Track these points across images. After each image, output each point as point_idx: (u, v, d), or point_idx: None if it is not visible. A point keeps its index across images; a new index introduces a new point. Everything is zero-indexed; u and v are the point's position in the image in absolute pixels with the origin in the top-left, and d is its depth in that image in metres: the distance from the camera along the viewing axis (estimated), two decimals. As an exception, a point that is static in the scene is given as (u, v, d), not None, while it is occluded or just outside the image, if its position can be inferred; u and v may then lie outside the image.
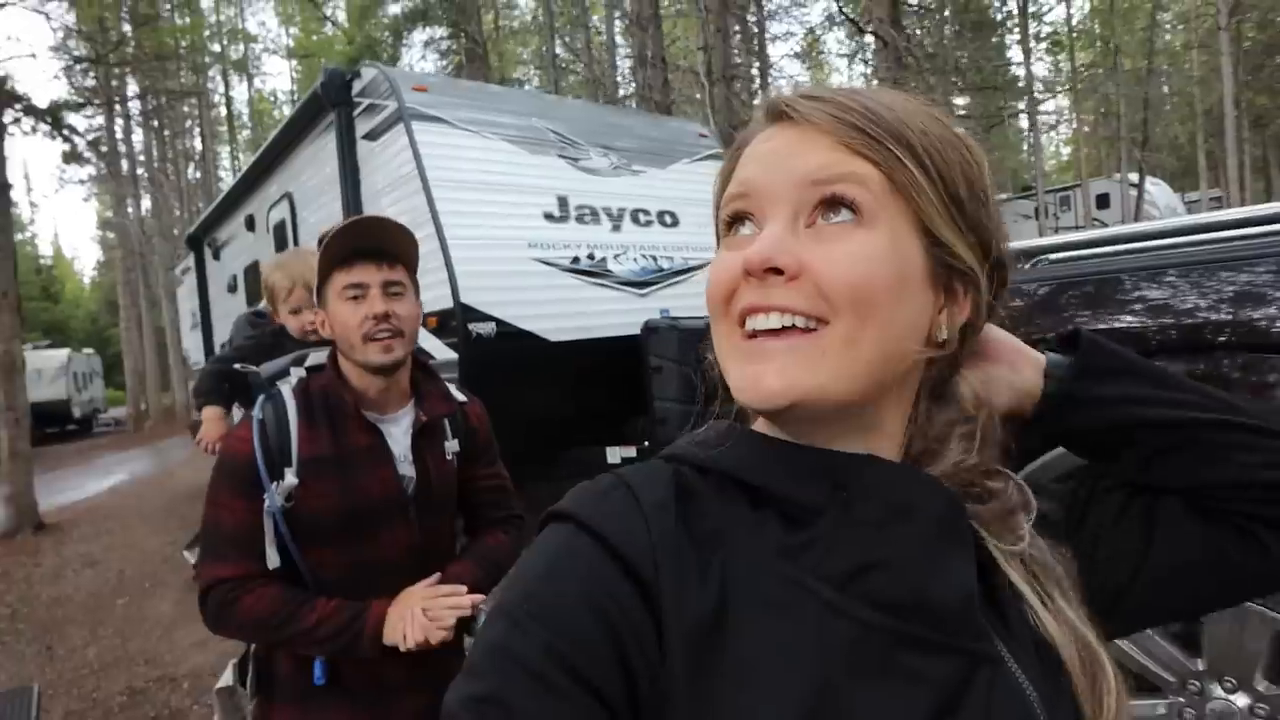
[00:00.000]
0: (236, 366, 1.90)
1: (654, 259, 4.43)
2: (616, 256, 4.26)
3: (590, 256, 4.15)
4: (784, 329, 0.47)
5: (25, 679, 3.95)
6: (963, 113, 18.14)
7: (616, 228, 4.36)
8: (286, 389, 1.39)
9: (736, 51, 16.80)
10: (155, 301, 22.80)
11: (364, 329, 1.34)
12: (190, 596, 5.19)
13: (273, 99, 30.10)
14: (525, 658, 0.42)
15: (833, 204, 0.48)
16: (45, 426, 20.26)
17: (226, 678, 1.48)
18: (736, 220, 0.52)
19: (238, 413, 2.69)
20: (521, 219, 3.95)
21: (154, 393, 23.18)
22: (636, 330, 3.74)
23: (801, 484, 0.49)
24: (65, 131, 7.72)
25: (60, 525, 8.14)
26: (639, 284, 4.30)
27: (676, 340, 3.75)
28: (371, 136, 4.18)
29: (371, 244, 1.37)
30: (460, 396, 1.58)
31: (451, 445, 1.50)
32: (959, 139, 0.52)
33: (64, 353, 22.80)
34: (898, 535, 0.48)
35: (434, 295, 3.55)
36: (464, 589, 1.35)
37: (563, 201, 4.16)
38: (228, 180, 26.16)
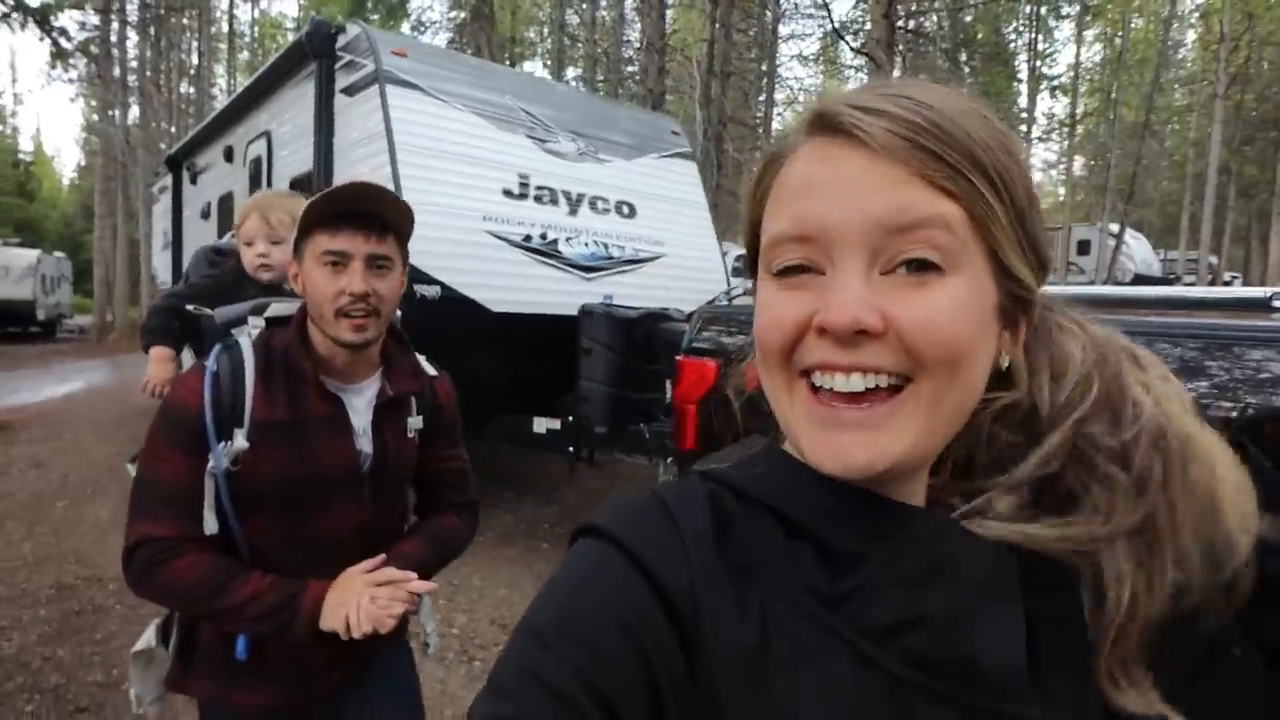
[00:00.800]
0: (190, 307, 1.76)
1: (605, 246, 4.68)
2: (569, 239, 4.51)
3: (543, 236, 4.39)
4: (866, 391, 0.44)
5: (-42, 564, 4.15)
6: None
7: (573, 212, 4.60)
8: (246, 342, 1.29)
9: (749, 48, 16.91)
10: (133, 214, 22.50)
11: (338, 303, 1.23)
12: (126, 505, 5.38)
13: (278, 24, 29.59)
14: (551, 679, 0.40)
15: (917, 256, 0.43)
16: (7, 325, 20.09)
17: (147, 638, 1.36)
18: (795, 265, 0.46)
19: (187, 356, 2.53)
20: (480, 191, 4.18)
21: (121, 305, 22.98)
22: (574, 312, 4.01)
23: (843, 528, 0.47)
24: (54, 34, 7.67)
25: (11, 425, 8.24)
26: (587, 268, 4.56)
27: (608, 326, 4.04)
28: (349, 92, 4.36)
29: (363, 209, 1.25)
30: (430, 371, 1.49)
31: (415, 422, 1.41)
32: (1008, 139, 0.46)
33: (34, 253, 22.47)
34: (939, 594, 0.45)
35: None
36: (412, 575, 1.28)
37: (524, 180, 4.40)
38: (220, 100, 25.78)
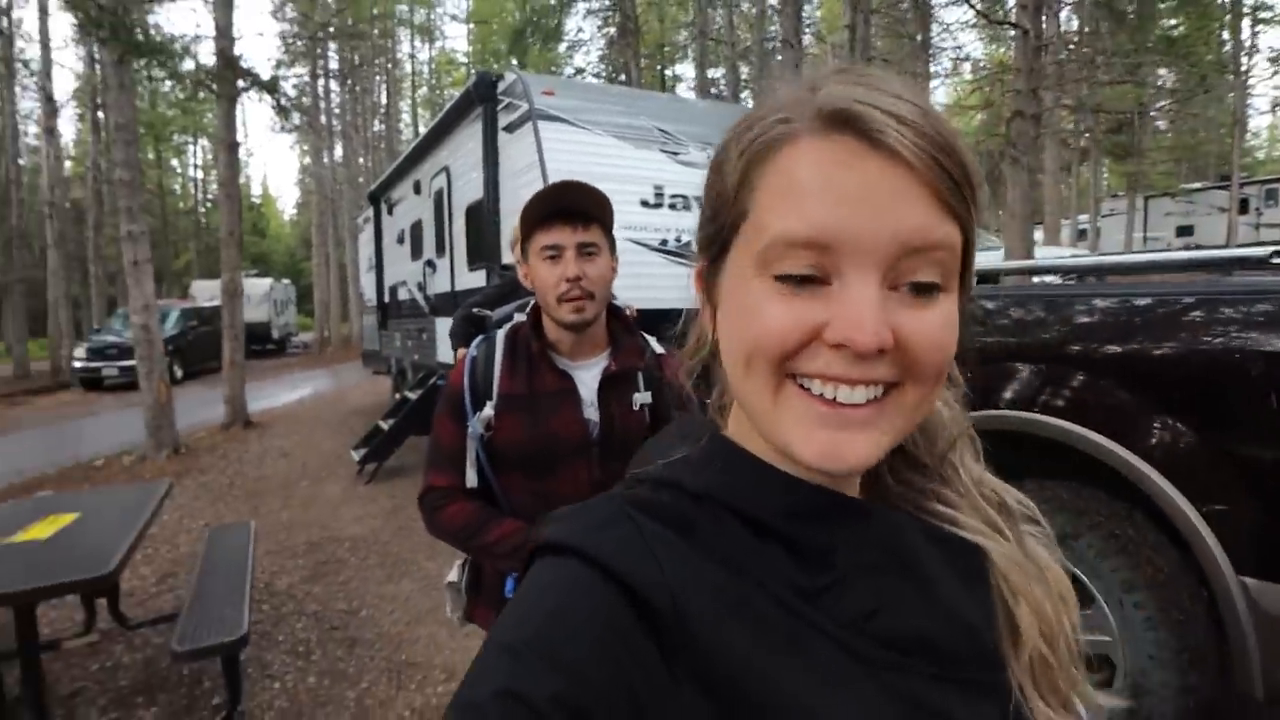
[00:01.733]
0: (474, 310, 2.53)
1: (734, 243, 5.12)
2: (700, 239, 4.99)
3: (678, 239, 4.92)
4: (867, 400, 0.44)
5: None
6: (1159, 84, 16.65)
7: (704, 214, 5.07)
8: (501, 332, 1.54)
9: (899, 24, 16.49)
10: (341, 241, 25.75)
11: (559, 290, 1.40)
12: (352, 484, 6.61)
13: (451, 60, 32.44)
14: (532, 701, 0.39)
15: (925, 280, 0.43)
16: (250, 344, 23.71)
17: (454, 574, 1.63)
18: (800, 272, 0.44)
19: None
20: (620, 203, 4.71)
21: (335, 322, 26.37)
22: (705, 304, 4.49)
23: (812, 526, 0.48)
24: (280, 99, 9.25)
25: (262, 423, 10.05)
26: (717, 264, 5.02)
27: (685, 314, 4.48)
28: (509, 129, 5.12)
29: (567, 205, 1.42)
30: (658, 349, 1.60)
31: (642, 396, 1.52)
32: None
33: (267, 281, 26.30)
34: (899, 580, 0.49)
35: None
36: None
37: (659, 191, 4.95)
38: (406, 134, 28.71)
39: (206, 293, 22.11)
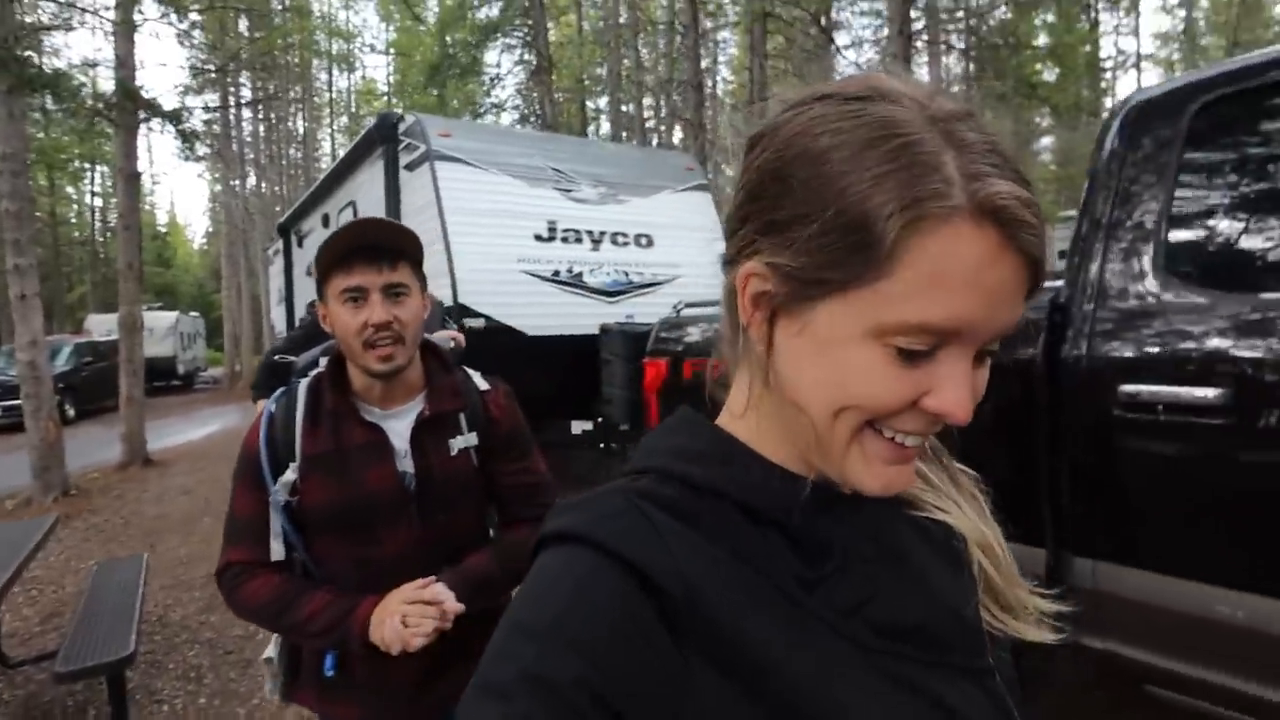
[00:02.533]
0: (275, 358, 2.22)
1: (625, 273, 5.47)
2: (592, 270, 5.32)
3: (570, 270, 5.22)
4: None
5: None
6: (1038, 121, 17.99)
7: (596, 247, 5.42)
8: (303, 384, 1.39)
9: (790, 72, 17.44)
10: (253, 272, 25.03)
11: (363, 335, 1.29)
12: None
13: (371, 89, 32.27)
14: (556, 684, 0.40)
15: (993, 345, 0.46)
16: (153, 380, 22.70)
17: (271, 649, 1.47)
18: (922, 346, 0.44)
19: None
20: (514, 238, 5.05)
21: (248, 355, 25.50)
22: (597, 331, 4.80)
23: (812, 519, 0.50)
24: (185, 130, 9.18)
25: (164, 461, 9.76)
26: (609, 293, 5.36)
27: (621, 340, 4.80)
28: (410, 168, 5.34)
29: (370, 242, 1.31)
30: (482, 385, 1.49)
31: (465, 439, 1.41)
32: None
33: (173, 315, 25.27)
34: (891, 569, 0.51)
35: (441, 295, 4.68)
36: (445, 596, 1.26)
37: (551, 225, 5.25)
38: (326, 163, 28.34)
39: (104, 327, 21.10)
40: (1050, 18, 15.49)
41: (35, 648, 3.78)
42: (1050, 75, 15.14)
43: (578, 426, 5.00)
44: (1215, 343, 1.68)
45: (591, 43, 19.53)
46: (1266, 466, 1.57)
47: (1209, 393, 1.63)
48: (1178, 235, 1.86)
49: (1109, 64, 21.77)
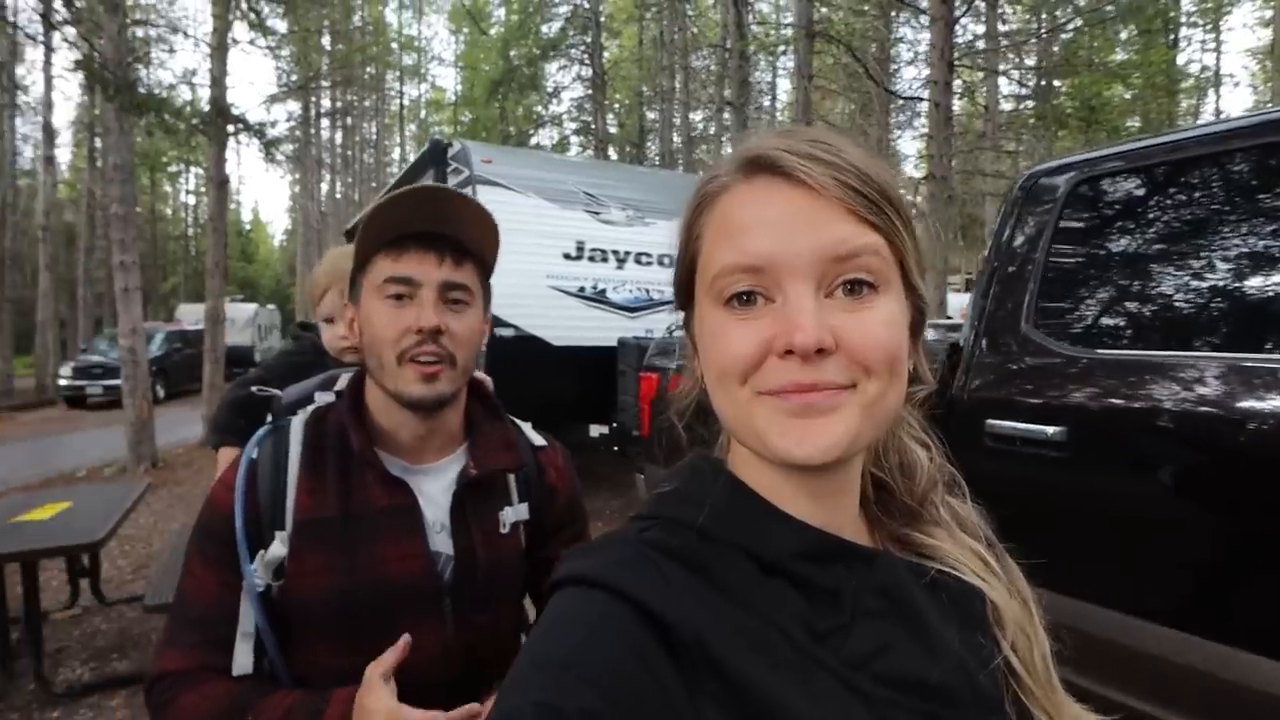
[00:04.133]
0: (252, 389, 1.44)
1: (647, 291, 5.96)
2: (615, 288, 5.83)
3: (594, 287, 5.74)
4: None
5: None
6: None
7: (620, 266, 5.92)
8: (297, 423, 1.02)
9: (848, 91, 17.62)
10: (327, 270, 26.41)
11: (403, 344, 0.96)
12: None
13: (438, 101, 33.65)
14: (565, 713, 0.41)
15: (855, 278, 0.49)
16: (233, 367, 24.21)
17: None
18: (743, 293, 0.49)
19: None
20: (544, 257, 5.59)
21: (318, 348, 26.92)
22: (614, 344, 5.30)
23: (820, 568, 0.52)
24: (268, 141, 10.08)
25: (237, 443, 10.68)
26: (631, 309, 5.85)
27: (636, 353, 5.28)
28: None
29: (436, 225, 0.97)
30: (537, 440, 1.18)
31: (516, 512, 1.08)
32: (898, 177, 0.81)
33: (252, 307, 26.78)
34: (898, 624, 0.52)
35: (476, 306, 5.28)
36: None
37: (580, 245, 5.78)
38: (395, 168, 29.72)
39: (192, 316, 22.63)
40: (1127, 34, 15.14)
41: (127, 591, 4.48)
42: (1118, 95, 14.87)
43: (596, 430, 5.51)
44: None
45: (650, 55, 20.10)
46: (1097, 491, 1.92)
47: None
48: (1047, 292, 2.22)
49: (1188, 83, 21.12)
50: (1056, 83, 14.53)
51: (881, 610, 0.52)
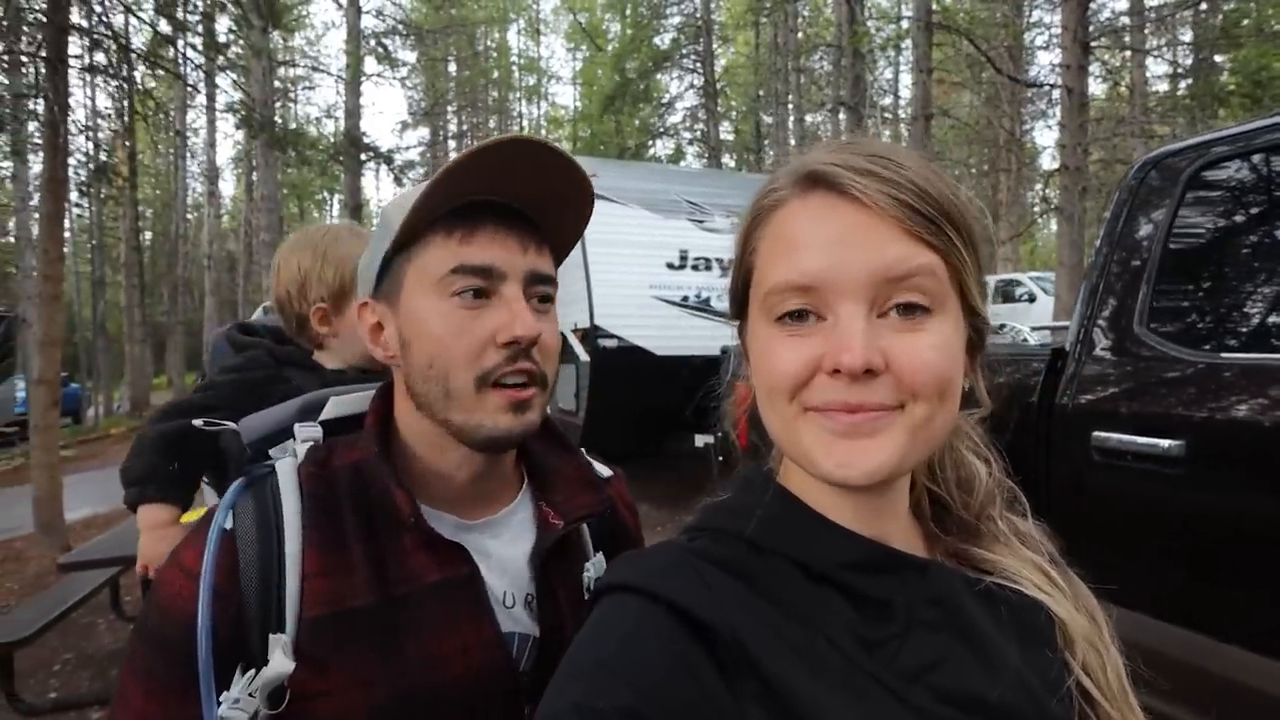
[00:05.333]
0: (198, 423, 0.91)
1: (751, 298, 5.92)
2: (719, 296, 5.81)
3: (698, 296, 5.75)
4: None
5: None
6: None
7: (725, 274, 5.88)
8: (286, 469, 0.70)
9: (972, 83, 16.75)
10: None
11: (486, 361, 0.68)
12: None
13: (556, 119, 34.80)
14: (603, 714, 0.41)
15: (908, 300, 0.48)
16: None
17: None
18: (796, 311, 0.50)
19: (210, 497, 1.36)
20: (648, 267, 5.67)
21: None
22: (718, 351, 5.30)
23: (872, 579, 0.51)
24: (399, 169, 10.81)
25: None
26: (735, 317, 5.84)
27: (738, 361, 5.22)
28: (564, 204, 6.16)
29: (525, 188, 0.69)
30: (603, 471, 0.91)
31: (596, 567, 0.80)
32: (966, 194, 0.52)
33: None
34: (953, 636, 0.50)
35: (580, 317, 5.41)
36: None
37: (683, 254, 5.81)
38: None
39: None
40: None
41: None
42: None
43: (700, 440, 5.50)
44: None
45: (765, 60, 19.91)
46: (1221, 513, 1.73)
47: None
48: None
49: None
50: (1218, 58, 13.18)
51: (936, 622, 0.51)
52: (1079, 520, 2.02)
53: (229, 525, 0.65)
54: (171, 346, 21.10)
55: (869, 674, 0.47)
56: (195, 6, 6.64)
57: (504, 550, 0.75)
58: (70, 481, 6.48)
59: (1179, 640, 1.72)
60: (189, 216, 23.24)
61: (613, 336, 5.38)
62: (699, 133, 19.18)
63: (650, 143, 21.05)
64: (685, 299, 5.75)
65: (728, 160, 21.26)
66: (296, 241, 1.41)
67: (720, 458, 5.56)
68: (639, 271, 5.64)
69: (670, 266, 5.79)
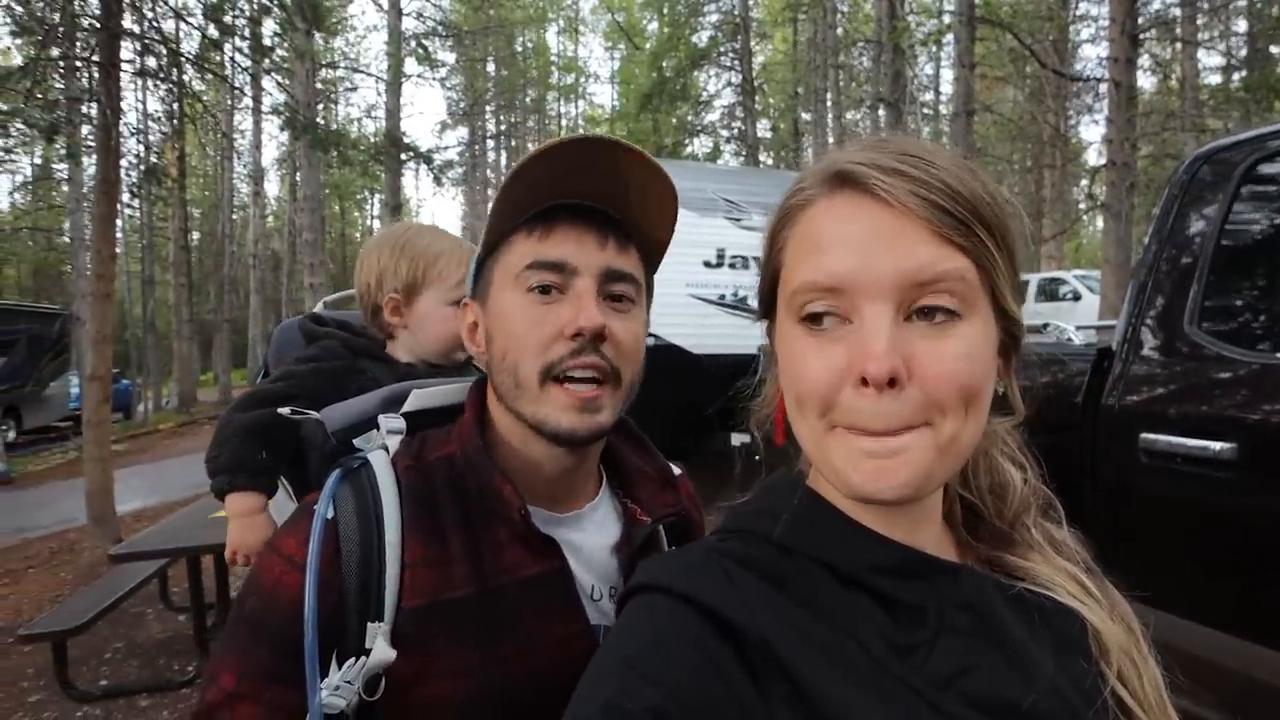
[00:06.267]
0: (284, 411, 0.94)
1: (789, 296, 5.89)
2: (756, 294, 5.80)
3: (735, 294, 5.74)
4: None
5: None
6: None
7: (761, 273, 5.89)
8: (380, 460, 0.73)
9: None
10: (492, 283, 28.24)
11: (550, 354, 0.70)
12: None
13: (594, 118, 34.94)
14: (632, 713, 0.42)
15: (936, 304, 0.47)
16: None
17: None
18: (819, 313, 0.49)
19: (285, 503, 1.35)
20: (684, 266, 5.67)
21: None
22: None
23: (904, 582, 0.50)
24: (438, 169, 10.96)
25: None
26: (772, 315, 5.82)
27: (765, 358, 5.21)
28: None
29: (600, 187, 0.71)
30: (674, 469, 0.92)
31: None
32: (1000, 193, 0.51)
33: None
34: (986, 642, 0.49)
35: (616, 316, 5.46)
36: None
37: (720, 253, 5.80)
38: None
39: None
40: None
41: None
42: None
43: (737, 439, 5.50)
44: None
45: (803, 57, 19.74)
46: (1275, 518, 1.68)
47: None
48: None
49: None
50: (1274, 49, 12.72)
51: (968, 628, 0.50)
52: (1125, 522, 1.99)
53: (331, 514, 0.68)
54: (217, 344, 21.71)
55: (899, 678, 0.47)
56: (241, 11, 6.81)
57: (590, 544, 0.78)
58: (121, 475, 6.71)
59: (1225, 647, 1.69)
60: (235, 216, 23.87)
61: (650, 335, 5.39)
62: (736, 130, 19.10)
63: (687, 141, 21.00)
64: (722, 297, 5.75)
65: (765, 158, 21.10)
66: (381, 237, 1.46)
67: (755, 457, 5.58)
68: (676, 270, 5.65)
69: (707, 265, 5.79)
